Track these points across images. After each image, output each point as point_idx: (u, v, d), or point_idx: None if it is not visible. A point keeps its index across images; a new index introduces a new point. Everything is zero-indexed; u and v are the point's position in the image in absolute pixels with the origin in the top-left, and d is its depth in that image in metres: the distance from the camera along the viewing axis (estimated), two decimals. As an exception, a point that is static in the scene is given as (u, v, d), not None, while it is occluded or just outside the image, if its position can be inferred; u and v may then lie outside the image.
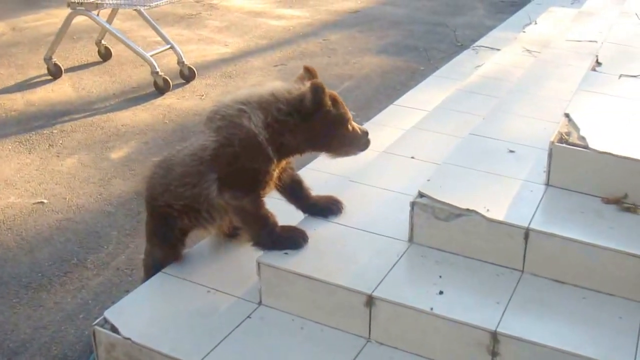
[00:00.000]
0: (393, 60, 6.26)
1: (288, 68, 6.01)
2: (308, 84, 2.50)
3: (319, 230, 2.84)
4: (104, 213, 3.75)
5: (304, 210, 2.91)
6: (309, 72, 2.63)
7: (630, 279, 2.54)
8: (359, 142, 2.69)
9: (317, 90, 2.45)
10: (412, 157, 3.48)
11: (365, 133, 2.70)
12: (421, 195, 2.79)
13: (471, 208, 2.71)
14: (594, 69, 3.81)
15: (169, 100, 5.24)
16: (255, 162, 2.50)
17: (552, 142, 2.90)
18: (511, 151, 3.23)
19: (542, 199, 2.85)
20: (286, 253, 2.70)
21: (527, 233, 2.65)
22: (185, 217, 2.69)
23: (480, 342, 2.43)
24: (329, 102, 2.52)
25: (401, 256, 2.74)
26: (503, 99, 3.83)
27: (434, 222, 2.76)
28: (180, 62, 5.47)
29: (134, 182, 4.04)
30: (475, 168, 3.05)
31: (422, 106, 4.35)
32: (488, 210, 2.72)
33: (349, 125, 2.64)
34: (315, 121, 2.50)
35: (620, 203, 2.80)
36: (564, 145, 2.89)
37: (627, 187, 2.81)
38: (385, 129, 4.12)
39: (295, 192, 2.86)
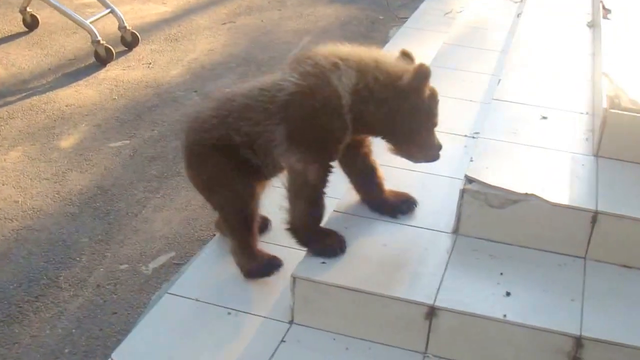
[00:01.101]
0: (348, 9, 5.78)
1: (238, 26, 5.45)
2: (416, 64, 2.21)
3: (351, 229, 2.42)
4: (67, 216, 3.20)
5: (371, 205, 2.54)
6: (407, 57, 2.30)
7: None
8: (430, 152, 2.33)
9: (422, 73, 2.17)
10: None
11: (440, 147, 2.33)
12: (469, 180, 2.40)
13: (530, 192, 2.34)
14: (605, 17, 3.46)
15: (113, 72, 4.62)
16: (330, 124, 2.19)
17: (606, 109, 2.55)
18: (544, 117, 2.87)
19: (597, 174, 2.51)
20: (324, 262, 2.27)
21: (595, 217, 2.31)
22: (237, 154, 2.32)
23: (560, 349, 2.11)
24: (427, 92, 2.21)
25: (451, 252, 2.36)
26: (512, 55, 3.44)
27: (486, 210, 2.38)
28: (121, 27, 4.84)
29: (93, 174, 3.49)
30: (514, 141, 2.68)
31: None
32: (544, 190, 2.36)
33: (432, 130, 2.29)
34: (405, 105, 2.19)
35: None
36: (618, 111, 2.54)
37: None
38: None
39: (366, 179, 2.50)
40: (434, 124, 2.28)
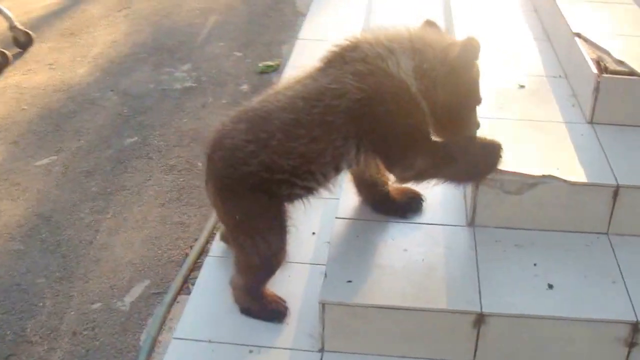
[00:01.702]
0: (245, -18, 5.47)
1: (135, 11, 5.03)
2: (463, 38, 1.97)
3: (364, 235, 2.23)
4: (12, 254, 2.80)
5: (375, 206, 2.34)
6: (434, 26, 2.07)
7: None
8: (472, 130, 2.10)
9: (473, 46, 1.93)
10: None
11: (479, 125, 2.12)
12: (484, 168, 2.24)
13: (547, 174, 2.22)
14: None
15: (13, 78, 4.13)
16: (411, 117, 1.95)
17: (599, 75, 2.45)
18: (521, 86, 2.76)
19: (600, 143, 2.43)
20: (350, 281, 2.06)
21: (616, 191, 2.22)
22: (286, 185, 2.01)
23: (617, 337, 2.02)
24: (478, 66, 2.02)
25: (476, 249, 2.21)
26: (456, 12, 3.29)
27: (503, 197, 2.25)
28: (12, 26, 4.33)
29: (27, 200, 3.09)
30: (505, 117, 2.55)
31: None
32: (559, 169, 2.25)
33: (475, 107, 2.09)
34: (459, 80, 1.97)
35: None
36: (611, 76, 2.46)
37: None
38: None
39: (370, 177, 2.29)
40: (479, 101, 2.09)
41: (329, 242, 2.27)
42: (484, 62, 2.03)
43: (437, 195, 2.39)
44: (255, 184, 1.99)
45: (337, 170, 2.03)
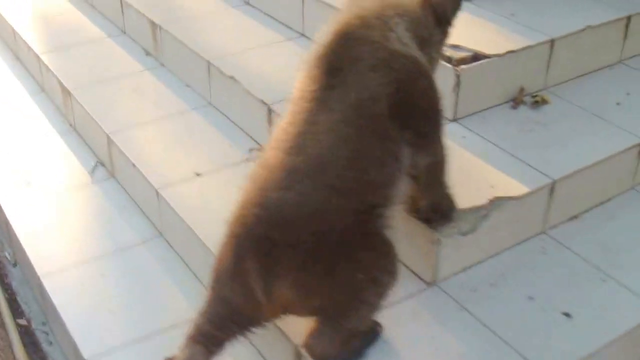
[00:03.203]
0: None
1: None
2: None
3: None
4: None
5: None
6: None
7: None
8: None
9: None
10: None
11: None
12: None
13: (491, 198, 2.00)
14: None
15: None
16: (434, 92, 1.76)
17: (461, 68, 2.27)
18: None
19: (483, 142, 2.26)
20: None
21: (552, 185, 2.09)
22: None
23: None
24: None
25: (467, 308, 1.90)
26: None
27: (461, 241, 1.96)
28: None
29: None
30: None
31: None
32: (494, 187, 2.05)
33: None
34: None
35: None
36: (470, 65, 2.29)
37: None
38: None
39: None
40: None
41: None
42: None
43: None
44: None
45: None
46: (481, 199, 2.00)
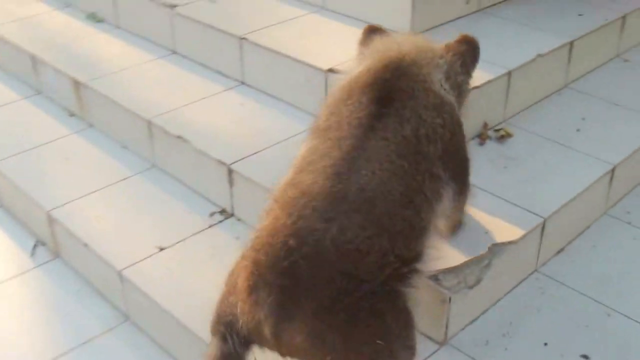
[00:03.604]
0: None
1: None
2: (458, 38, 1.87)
3: None
4: None
5: None
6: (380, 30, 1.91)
7: None
8: None
9: (477, 44, 1.89)
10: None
11: None
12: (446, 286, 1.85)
13: (496, 242, 1.94)
14: None
15: None
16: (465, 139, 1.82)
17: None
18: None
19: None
20: None
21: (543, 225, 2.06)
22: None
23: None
24: None
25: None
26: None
27: (468, 294, 1.89)
28: None
29: None
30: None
31: None
32: (488, 233, 2.00)
33: None
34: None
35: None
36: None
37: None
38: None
39: None
40: None
41: None
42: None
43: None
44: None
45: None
46: (480, 248, 1.94)
